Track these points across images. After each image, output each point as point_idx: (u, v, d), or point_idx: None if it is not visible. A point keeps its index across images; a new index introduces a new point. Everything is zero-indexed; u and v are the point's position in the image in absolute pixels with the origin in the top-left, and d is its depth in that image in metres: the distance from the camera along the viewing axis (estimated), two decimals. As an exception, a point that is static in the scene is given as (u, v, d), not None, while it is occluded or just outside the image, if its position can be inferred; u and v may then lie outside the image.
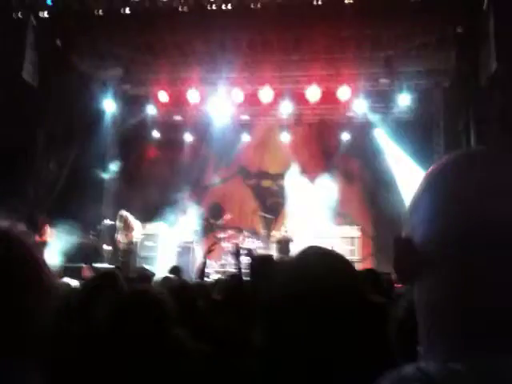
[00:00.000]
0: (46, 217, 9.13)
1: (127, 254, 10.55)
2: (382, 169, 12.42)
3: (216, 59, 10.61)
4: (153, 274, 5.89)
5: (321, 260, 1.15)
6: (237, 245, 11.36)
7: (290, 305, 1.04)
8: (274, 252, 10.87)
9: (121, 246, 10.59)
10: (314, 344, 1.00)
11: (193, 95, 11.69)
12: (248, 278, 3.97)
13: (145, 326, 1.88)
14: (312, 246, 1.23)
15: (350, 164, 13.42)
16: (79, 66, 10.92)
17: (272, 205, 13.80)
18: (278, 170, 13.95)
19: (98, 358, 1.85)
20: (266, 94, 11.40)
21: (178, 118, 13.52)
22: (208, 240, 13.01)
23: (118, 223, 10.73)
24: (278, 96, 11.68)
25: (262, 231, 12.84)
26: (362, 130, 12.78)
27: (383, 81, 11.27)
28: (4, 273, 0.71)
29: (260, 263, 3.68)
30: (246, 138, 13.83)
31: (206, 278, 7.66)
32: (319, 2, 9.21)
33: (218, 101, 11.90)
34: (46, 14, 9.99)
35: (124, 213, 10.72)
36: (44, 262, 0.81)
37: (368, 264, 10.88)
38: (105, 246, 11.43)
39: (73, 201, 9.82)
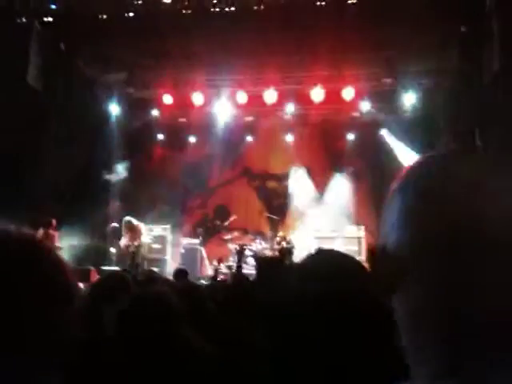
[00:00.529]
0: (53, 220, 9.16)
1: (135, 256, 10.55)
2: (388, 168, 12.38)
3: (220, 61, 10.61)
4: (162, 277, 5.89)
5: (334, 263, 1.13)
6: (242, 245, 11.39)
7: (307, 309, 1.02)
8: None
9: (128, 249, 10.58)
10: (331, 349, 0.98)
11: (197, 97, 11.72)
12: (252, 279, 3.97)
13: (153, 328, 1.90)
14: (323, 249, 1.21)
15: (354, 164, 13.40)
16: (83, 70, 10.96)
17: (278, 206, 13.79)
18: (282, 170, 13.96)
19: (107, 360, 1.87)
20: (270, 95, 11.42)
21: (182, 120, 13.55)
22: (213, 241, 13.05)
23: (123, 230, 10.65)
24: (282, 97, 11.69)
25: (269, 232, 12.84)
26: (367, 130, 12.77)
27: (386, 81, 11.26)
28: (37, 284, 0.71)
29: (268, 266, 3.66)
30: (250, 139, 13.84)
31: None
32: (322, 3, 9.21)
33: (222, 103, 11.92)
34: (50, 19, 10.03)
35: (127, 218, 10.67)
36: (70, 268, 0.81)
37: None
38: (112, 249, 11.44)
39: (79, 204, 9.84)
